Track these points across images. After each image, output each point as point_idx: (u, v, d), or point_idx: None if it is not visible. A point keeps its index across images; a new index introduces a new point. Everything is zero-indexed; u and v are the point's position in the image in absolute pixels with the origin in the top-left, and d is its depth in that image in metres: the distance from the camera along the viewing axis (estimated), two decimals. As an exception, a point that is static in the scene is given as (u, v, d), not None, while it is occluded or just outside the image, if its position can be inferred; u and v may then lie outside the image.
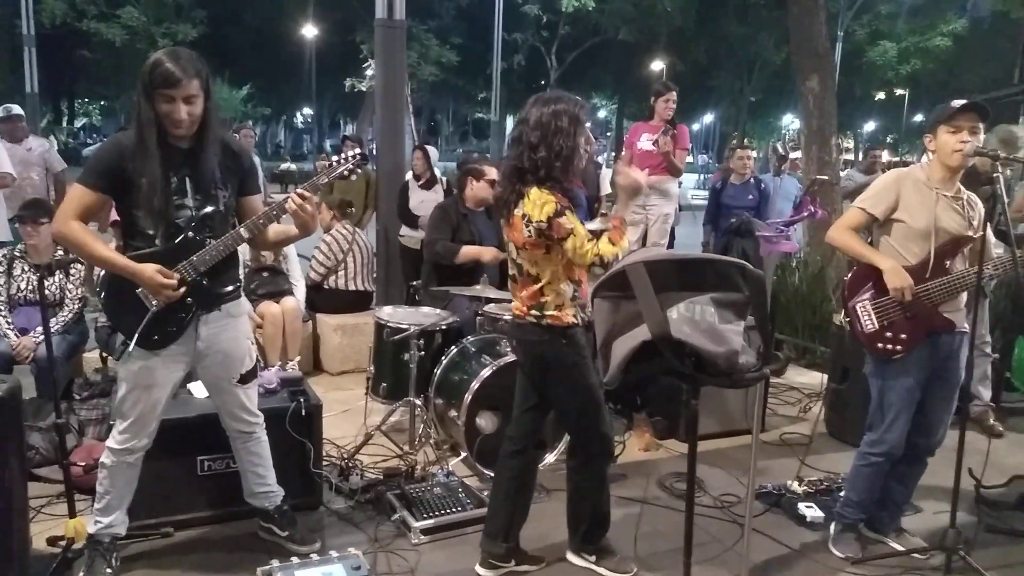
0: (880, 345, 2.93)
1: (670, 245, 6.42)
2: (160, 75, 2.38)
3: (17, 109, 6.02)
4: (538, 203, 2.62)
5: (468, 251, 4.46)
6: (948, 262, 2.89)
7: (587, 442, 2.86)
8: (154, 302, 2.53)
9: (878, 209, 2.93)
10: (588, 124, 2.75)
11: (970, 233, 2.89)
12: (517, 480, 2.91)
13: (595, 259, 2.64)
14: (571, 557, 3.02)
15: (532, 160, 2.66)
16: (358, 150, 2.74)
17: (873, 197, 2.96)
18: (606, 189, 6.04)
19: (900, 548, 3.14)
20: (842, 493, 3.28)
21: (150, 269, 2.47)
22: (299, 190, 2.62)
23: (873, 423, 3.03)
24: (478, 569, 2.92)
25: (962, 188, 2.95)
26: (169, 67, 2.38)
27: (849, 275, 3.05)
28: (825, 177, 6.78)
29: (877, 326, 2.93)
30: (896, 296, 2.87)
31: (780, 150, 8.66)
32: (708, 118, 41.19)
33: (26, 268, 4.19)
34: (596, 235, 2.70)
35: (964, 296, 2.96)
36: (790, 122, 34.64)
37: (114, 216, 3.25)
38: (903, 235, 2.92)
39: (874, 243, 3.02)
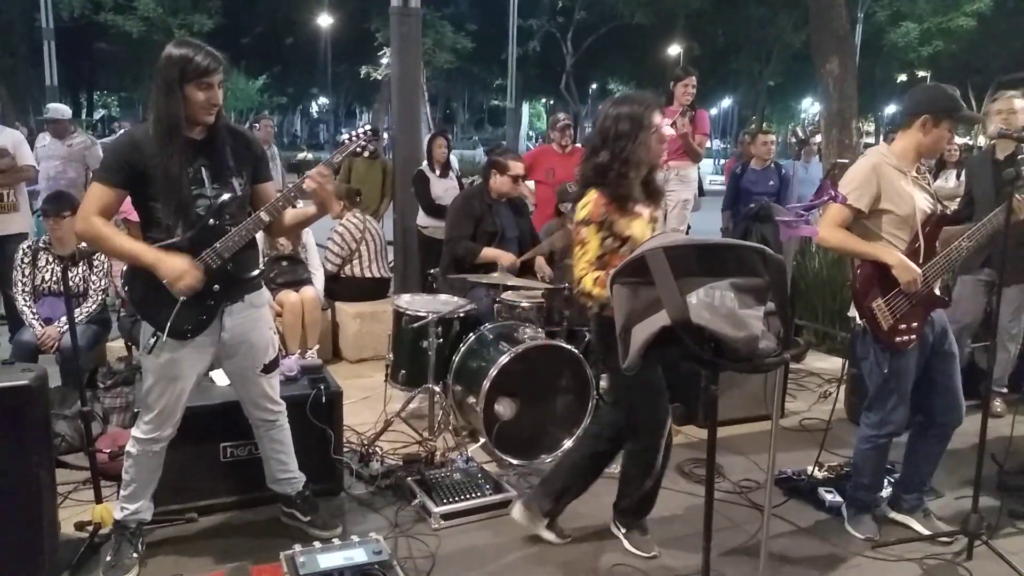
0: (898, 340, 2.91)
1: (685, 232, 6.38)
2: (197, 66, 2.45)
3: (62, 112, 6.21)
4: (582, 205, 2.78)
5: (488, 253, 4.45)
6: (934, 242, 2.90)
7: (629, 425, 2.94)
8: (181, 295, 2.56)
9: (863, 202, 2.87)
10: (657, 122, 2.77)
11: (939, 209, 2.92)
12: (589, 460, 3.03)
13: (577, 279, 2.79)
14: (611, 525, 3.11)
15: (594, 165, 2.78)
16: (368, 126, 2.76)
17: (856, 190, 2.88)
18: None
19: (925, 531, 3.13)
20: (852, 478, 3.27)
21: (179, 260, 2.50)
22: (317, 168, 2.65)
23: (874, 405, 3.04)
24: (515, 506, 3.06)
25: (920, 165, 2.98)
26: (202, 57, 2.46)
27: (857, 276, 2.97)
28: (846, 161, 6.71)
29: (892, 321, 2.91)
30: (907, 288, 2.85)
31: (800, 134, 8.57)
32: (726, 102, 40.80)
33: (50, 259, 4.25)
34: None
35: None
36: (810, 106, 34.22)
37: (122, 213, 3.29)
38: (890, 224, 2.89)
39: (859, 235, 2.94)
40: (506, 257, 4.44)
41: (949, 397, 3.03)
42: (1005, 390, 4.58)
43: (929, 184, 2.99)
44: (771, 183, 6.38)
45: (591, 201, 2.76)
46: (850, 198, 2.88)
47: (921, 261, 2.87)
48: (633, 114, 2.72)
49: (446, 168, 6.26)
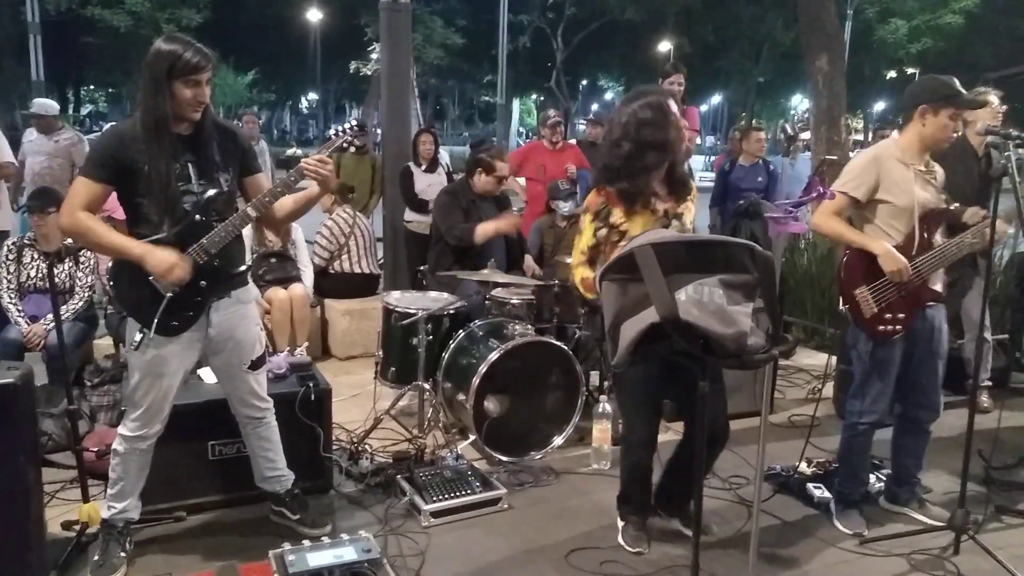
0: (881, 328, 2.94)
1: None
2: (186, 63, 2.44)
3: (47, 108, 6.15)
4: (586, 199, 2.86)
5: (484, 228, 4.34)
6: (932, 236, 2.92)
7: (624, 424, 3.05)
8: (168, 291, 2.54)
9: (860, 191, 2.93)
10: (676, 112, 2.75)
11: (943, 204, 2.94)
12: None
13: (573, 265, 2.87)
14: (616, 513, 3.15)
15: (617, 156, 2.75)
16: (355, 121, 2.75)
17: (854, 180, 2.94)
18: None
19: (924, 519, 3.18)
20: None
21: (166, 253, 2.49)
22: (316, 155, 2.63)
23: (858, 394, 3.07)
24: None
25: (929, 160, 2.99)
26: (191, 54, 2.45)
27: (843, 262, 3.02)
28: (834, 157, 6.72)
29: (876, 310, 2.93)
30: (893, 278, 2.88)
31: (789, 131, 8.57)
32: (716, 99, 40.88)
33: (35, 256, 4.21)
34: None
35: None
36: (799, 102, 34.32)
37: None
38: (887, 214, 2.93)
39: (857, 224, 3.01)
40: (504, 222, 4.37)
41: (926, 394, 3.08)
42: (989, 383, 4.61)
43: (935, 179, 2.98)
44: (760, 179, 6.38)
45: (592, 191, 2.84)
46: (848, 187, 2.93)
47: (915, 254, 2.89)
48: (652, 103, 2.72)
49: (433, 164, 6.23)
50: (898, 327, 2.94)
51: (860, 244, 2.93)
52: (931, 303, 2.99)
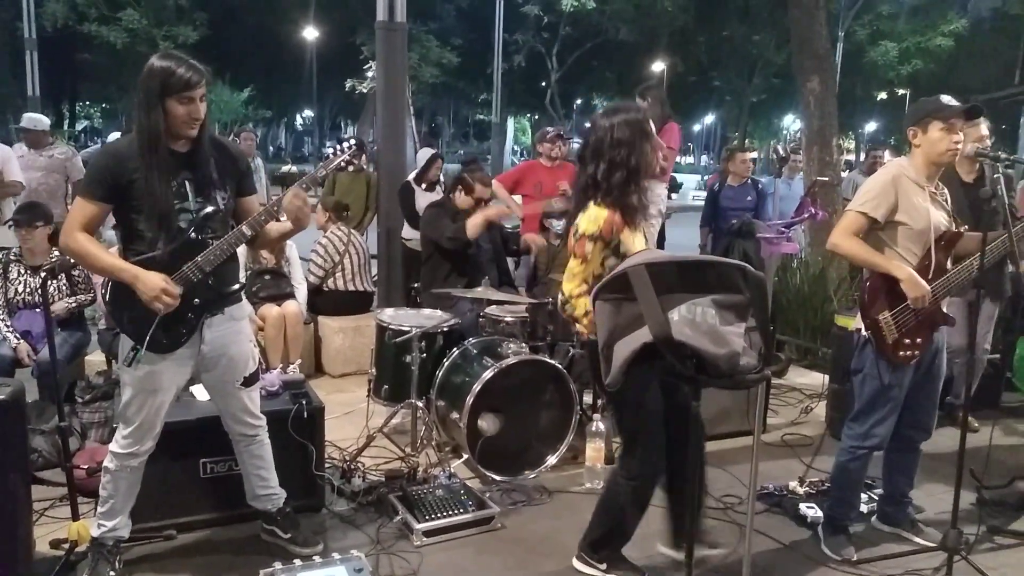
0: (901, 353, 2.92)
1: (660, 247, 6.36)
2: (179, 79, 2.44)
3: (43, 123, 6.16)
4: (591, 218, 2.63)
5: (473, 222, 4.42)
6: (947, 259, 2.91)
7: (626, 460, 2.77)
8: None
9: (879, 212, 2.88)
10: (652, 131, 2.70)
11: (953, 226, 2.94)
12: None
13: (569, 295, 2.65)
14: (576, 564, 2.91)
15: (591, 176, 2.66)
16: (352, 140, 2.76)
17: (873, 200, 2.90)
18: None
19: (916, 540, 3.18)
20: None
21: (156, 278, 2.49)
22: (298, 185, 2.64)
23: (860, 417, 3.04)
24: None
25: (939, 183, 2.98)
26: (184, 70, 2.45)
27: (866, 287, 2.99)
28: (826, 178, 6.78)
29: (897, 335, 2.91)
30: (916, 304, 2.85)
31: (781, 151, 8.65)
32: (709, 119, 41.16)
33: (22, 271, 4.19)
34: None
35: None
36: (791, 123, 34.60)
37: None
38: (904, 237, 2.90)
39: (872, 247, 2.97)
40: (491, 209, 4.47)
41: (921, 415, 3.08)
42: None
43: (947, 202, 2.98)
44: (748, 199, 6.46)
45: (602, 217, 2.61)
46: (867, 207, 2.89)
47: (931, 277, 2.88)
48: (630, 120, 2.65)
49: (433, 184, 6.33)
50: (916, 352, 2.92)
51: (884, 268, 2.88)
52: (943, 326, 2.99)
